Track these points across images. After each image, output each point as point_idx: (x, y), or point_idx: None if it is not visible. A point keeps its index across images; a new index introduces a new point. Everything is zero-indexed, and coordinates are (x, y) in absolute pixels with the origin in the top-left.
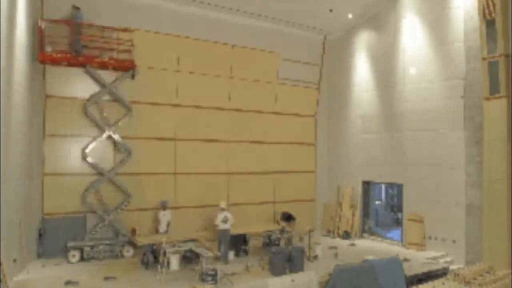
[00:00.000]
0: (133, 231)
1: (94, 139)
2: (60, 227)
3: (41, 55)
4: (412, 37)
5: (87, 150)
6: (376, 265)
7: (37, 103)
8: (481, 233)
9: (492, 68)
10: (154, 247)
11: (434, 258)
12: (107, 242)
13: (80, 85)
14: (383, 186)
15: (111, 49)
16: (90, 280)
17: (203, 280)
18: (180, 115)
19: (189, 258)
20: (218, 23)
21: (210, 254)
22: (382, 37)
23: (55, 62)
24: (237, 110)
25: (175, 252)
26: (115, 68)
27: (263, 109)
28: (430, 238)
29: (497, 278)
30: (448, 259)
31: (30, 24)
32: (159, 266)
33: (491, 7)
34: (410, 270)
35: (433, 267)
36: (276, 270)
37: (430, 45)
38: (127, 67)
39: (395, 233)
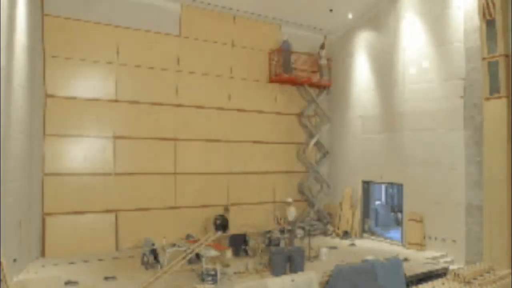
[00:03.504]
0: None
1: (307, 142)
2: None
3: (277, 75)
4: (412, 37)
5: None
6: (376, 265)
7: (37, 103)
8: (481, 233)
9: (492, 68)
10: (154, 247)
11: (434, 258)
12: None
13: (80, 85)
14: (383, 186)
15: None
16: (90, 280)
17: (203, 280)
18: (181, 115)
19: (189, 258)
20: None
21: (213, 253)
22: (382, 37)
23: (281, 81)
24: (238, 110)
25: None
26: (317, 87)
27: (264, 109)
28: (430, 238)
29: (497, 278)
30: (448, 259)
31: (30, 23)
32: (159, 266)
33: (491, 7)
34: (410, 270)
35: (433, 267)
36: (276, 270)
37: (430, 45)
38: (326, 86)
39: (395, 233)
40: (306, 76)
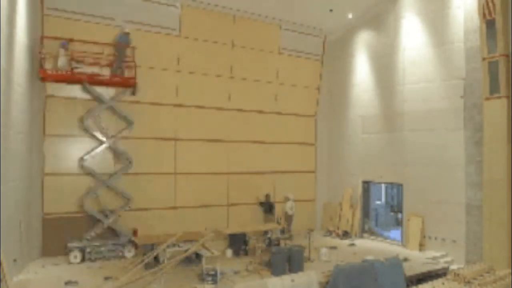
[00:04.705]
0: (135, 232)
1: (92, 149)
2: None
3: (42, 72)
4: (412, 37)
5: (85, 157)
6: (376, 265)
7: (37, 103)
8: (481, 233)
9: (492, 68)
10: (154, 247)
11: (434, 258)
12: (109, 243)
13: (80, 85)
14: (383, 186)
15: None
16: (90, 280)
17: (203, 280)
18: (181, 115)
19: (189, 258)
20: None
21: (210, 253)
22: (382, 37)
23: (55, 79)
24: (238, 110)
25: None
26: (116, 85)
27: (264, 109)
28: (430, 238)
29: (497, 278)
30: (448, 259)
31: (30, 23)
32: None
33: (491, 7)
34: (410, 270)
35: (433, 267)
36: (276, 270)
37: (430, 45)
38: (129, 85)
39: (395, 233)
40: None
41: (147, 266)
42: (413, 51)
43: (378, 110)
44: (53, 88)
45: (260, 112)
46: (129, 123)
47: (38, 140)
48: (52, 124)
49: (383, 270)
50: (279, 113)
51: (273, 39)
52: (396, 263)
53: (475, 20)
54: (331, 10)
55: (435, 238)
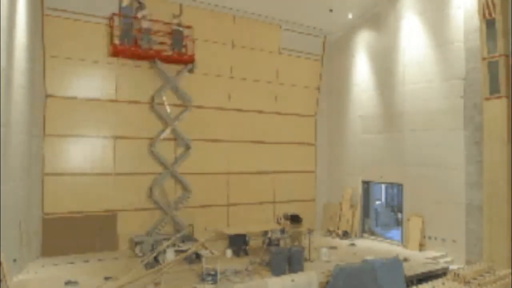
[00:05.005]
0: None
1: (159, 134)
2: None
3: (113, 47)
4: (412, 37)
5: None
6: (376, 265)
7: (37, 103)
8: (481, 233)
9: (492, 68)
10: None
11: (434, 258)
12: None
13: (80, 85)
14: (383, 186)
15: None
16: (90, 280)
17: (203, 280)
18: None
19: (189, 258)
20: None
21: (210, 253)
22: (382, 37)
23: (124, 55)
24: (238, 110)
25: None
26: (176, 62)
27: (264, 109)
28: (430, 238)
29: (497, 278)
30: (448, 259)
31: (30, 24)
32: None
33: (491, 7)
34: (410, 270)
35: (433, 267)
36: (276, 270)
37: (430, 45)
38: (187, 61)
39: (395, 233)
40: (158, 48)
41: (147, 266)
42: (413, 51)
43: (378, 110)
44: (53, 88)
45: (260, 112)
46: (188, 103)
47: (38, 140)
48: (52, 124)
49: (383, 270)
50: (279, 113)
51: (273, 39)
52: (396, 263)
53: (475, 20)
54: (331, 10)
55: (435, 238)
